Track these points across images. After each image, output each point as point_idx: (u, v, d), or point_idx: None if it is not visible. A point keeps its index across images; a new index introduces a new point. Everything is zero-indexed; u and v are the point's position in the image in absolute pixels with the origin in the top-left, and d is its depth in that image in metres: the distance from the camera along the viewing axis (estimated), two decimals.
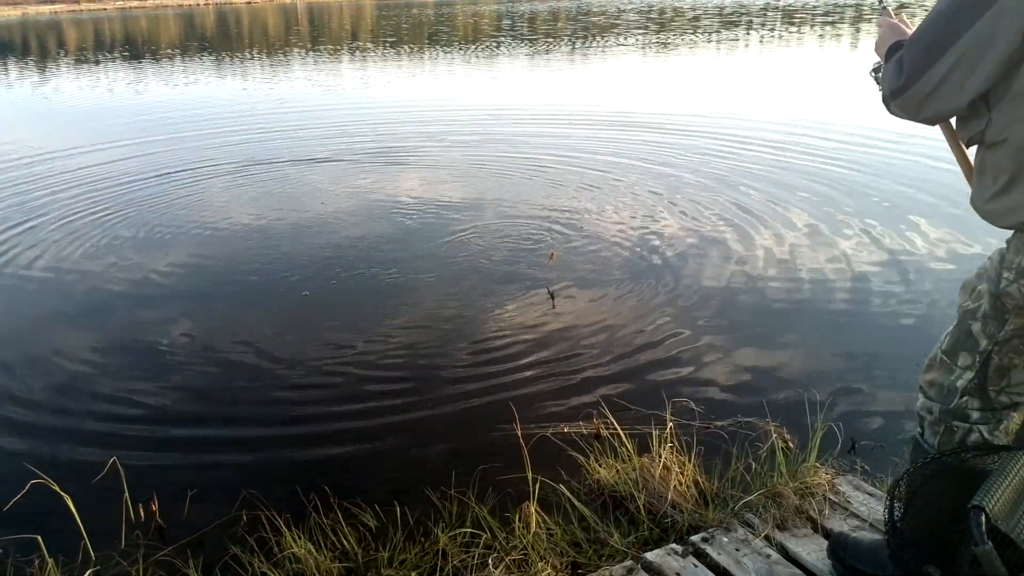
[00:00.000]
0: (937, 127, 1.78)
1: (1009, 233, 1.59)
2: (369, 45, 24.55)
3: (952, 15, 1.50)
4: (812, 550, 2.17)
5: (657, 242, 5.19)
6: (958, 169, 1.80)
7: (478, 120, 10.37)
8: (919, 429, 1.84)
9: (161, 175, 7.63)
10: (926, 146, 7.24)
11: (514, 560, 2.19)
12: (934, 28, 1.54)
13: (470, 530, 2.36)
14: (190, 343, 4.01)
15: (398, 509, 2.48)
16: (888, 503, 1.76)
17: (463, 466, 2.74)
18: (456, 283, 4.62)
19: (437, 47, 23.18)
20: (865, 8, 29.63)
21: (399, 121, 10.53)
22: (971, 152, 1.70)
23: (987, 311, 1.62)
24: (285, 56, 21.76)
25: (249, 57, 21.67)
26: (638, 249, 5.09)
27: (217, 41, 29.28)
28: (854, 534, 2.13)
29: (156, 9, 64.67)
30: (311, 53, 21.76)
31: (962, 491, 1.69)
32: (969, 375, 1.68)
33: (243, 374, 3.71)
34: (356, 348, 3.88)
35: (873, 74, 1.83)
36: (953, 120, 1.68)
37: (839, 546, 2.08)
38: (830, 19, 26.85)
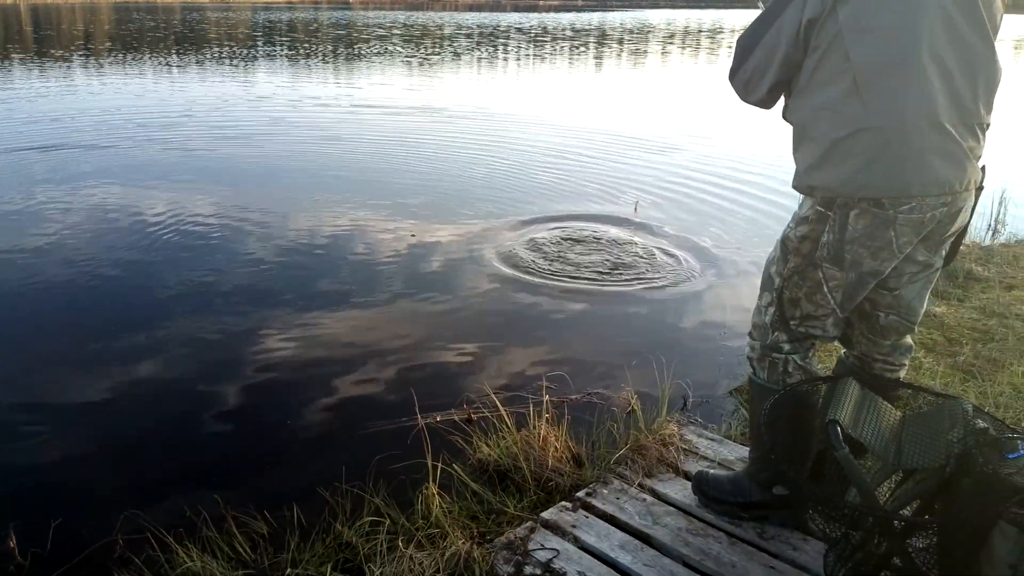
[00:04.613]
0: None
1: None
2: (105, 50, 22.43)
3: (758, 24, 1.94)
4: (678, 490, 2.53)
5: (486, 242, 5.48)
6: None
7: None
8: (751, 369, 2.24)
9: None
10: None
11: (426, 536, 2.31)
12: (748, 33, 1.98)
13: (371, 519, 2.43)
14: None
15: (293, 511, 2.48)
16: (763, 437, 2.13)
17: (351, 461, 2.78)
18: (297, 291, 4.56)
19: (188, 53, 21.83)
20: (607, 29, 32.41)
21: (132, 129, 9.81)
22: None
23: (777, 255, 2.07)
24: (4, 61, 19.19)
25: None
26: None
27: None
28: (712, 471, 2.51)
29: None
30: (37, 59, 19.38)
31: (802, 416, 2.12)
32: (772, 310, 2.10)
33: (107, 383, 3.48)
34: (226, 357, 3.77)
35: None
36: None
37: (702, 482, 2.45)
38: (577, 41, 29.13)
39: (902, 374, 2.24)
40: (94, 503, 2.69)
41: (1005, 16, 1.86)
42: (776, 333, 2.10)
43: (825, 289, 1.98)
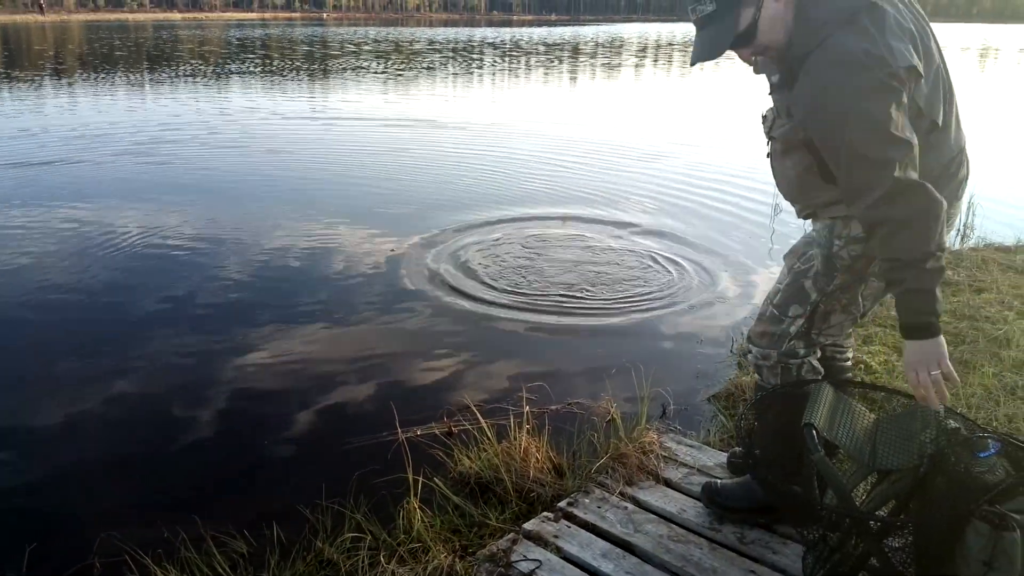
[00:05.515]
0: None
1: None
2: (75, 68, 22.26)
3: (883, 141, 1.70)
4: (658, 497, 2.54)
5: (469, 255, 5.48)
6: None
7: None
8: (757, 376, 2.27)
9: None
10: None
11: (408, 551, 2.30)
12: (884, 155, 1.71)
13: (352, 535, 2.42)
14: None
15: (273, 530, 2.46)
16: (743, 437, 2.16)
17: (331, 477, 2.77)
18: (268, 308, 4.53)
19: (160, 70, 21.72)
20: (579, 44, 32.63)
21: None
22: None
23: (819, 269, 2.07)
24: None
25: None
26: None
27: None
28: (720, 481, 2.50)
29: None
30: (5, 79, 19.16)
31: (785, 416, 2.14)
32: (800, 321, 2.12)
33: (81, 404, 3.44)
34: (203, 376, 3.73)
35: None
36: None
37: (712, 493, 2.44)
38: (553, 54, 29.35)
39: (851, 354, 2.40)
40: (71, 526, 2.65)
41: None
42: (795, 342, 2.14)
43: (860, 299, 2.08)
